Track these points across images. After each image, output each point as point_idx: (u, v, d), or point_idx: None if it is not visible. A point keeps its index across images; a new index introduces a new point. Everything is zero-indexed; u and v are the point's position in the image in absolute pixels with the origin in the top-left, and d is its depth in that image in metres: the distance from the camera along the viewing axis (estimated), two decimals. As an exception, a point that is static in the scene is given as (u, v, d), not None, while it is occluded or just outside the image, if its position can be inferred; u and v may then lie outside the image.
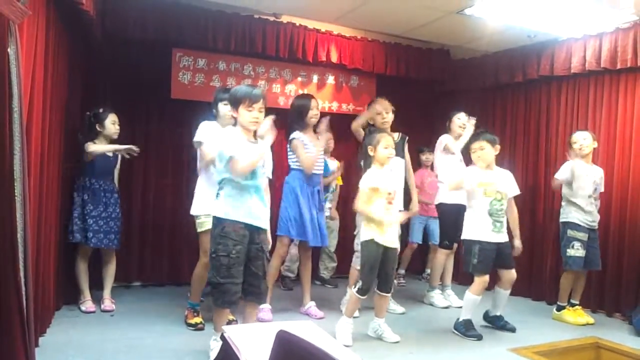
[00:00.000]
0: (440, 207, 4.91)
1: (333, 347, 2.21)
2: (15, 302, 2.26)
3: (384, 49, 5.68)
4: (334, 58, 5.39)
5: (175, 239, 5.14)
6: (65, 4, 3.26)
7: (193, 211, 3.81)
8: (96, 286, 4.27)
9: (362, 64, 5.56)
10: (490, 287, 4.19)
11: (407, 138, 4.53)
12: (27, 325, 2.34)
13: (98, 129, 4.17)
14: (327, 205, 5.03)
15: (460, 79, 5.91)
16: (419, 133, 5.55)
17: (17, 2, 2.19)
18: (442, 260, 4.86)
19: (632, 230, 4.48)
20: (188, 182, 4.25)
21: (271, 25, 5.07)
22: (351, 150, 5.35)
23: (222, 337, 2.51)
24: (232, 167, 2.97)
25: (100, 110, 4.21)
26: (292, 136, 4.15)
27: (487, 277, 3.95)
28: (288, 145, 4.21)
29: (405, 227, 5.12)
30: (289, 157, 4.22)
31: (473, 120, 4.68)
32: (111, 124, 4.19)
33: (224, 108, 3.71)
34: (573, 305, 4.46)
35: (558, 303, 4.53)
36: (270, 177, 3.33)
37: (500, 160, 4.21)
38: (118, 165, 4.35)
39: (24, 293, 2.32)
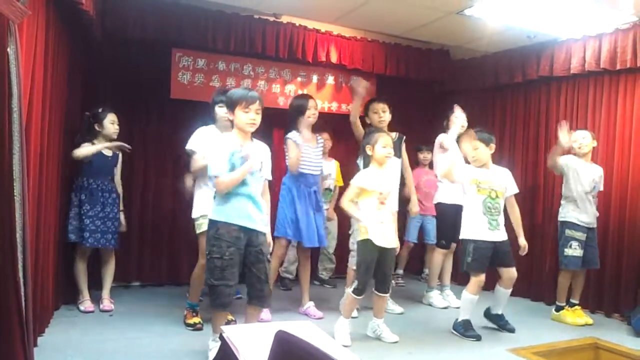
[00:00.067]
0: (438, 206, 4.92)
1: (332, 347, 2.21)
2: (14, 302, 2.26)
3: (384, 49, 5.68)
4: (334, 58, 5.39)
5: (175, 239, 5.15)
6: (65, 3, 3.26)
7: (193, 214, 3.84)
8: (95, 286, 4.26)
9: (361, 64, 5.56)
10: (491, 286, 4.21)
11: (404, 138, 4.53)
12: (26, 325, 2.34)
13: (97, 128, 4.17)
14: (325, 206, 5.02)
15: (460, 79, 5.91)
16: (419, 133, 5.54)
17: (17, 2, 2.19)
18: (439, 260, 4.86)
19: (631, 231, 4.49)
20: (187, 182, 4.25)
21: (271, 26, 5.07)
22: (351, 151, 5.35)
23: (221, 337, 2.51)
24: (216, 186, 3.06)
25: (100, 110, 4.21)
26: (287, 135, 4.15)
27: (482, 277, 3.95)
28: (285, 145, 4.21)
29: (402, 226, 5.11)
30: (285, 157, 4.22)
31: (459, 111, 4.60)
32: (110, 123, 4.19)
33: (220, 110, 3.73)
34: (573, 305, 4.46)
35: (557, 303, 4.54)
36: (270, 178, 3.32)
37: (499, 161, 4.21)
38: (119, 165, 4.35)
39: (22, 293, 2.32)
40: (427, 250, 5.58)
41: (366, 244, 3.64)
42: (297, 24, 5.20)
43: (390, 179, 3.76)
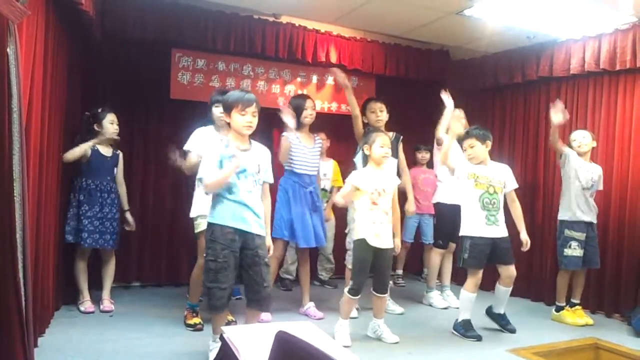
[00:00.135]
0: (437, 206, 4.94)
1: (332, 348, 2.21)
2: (14, 302, 2.26)
3: (384, 50, 5.68)
4: (334, 59, 5.39)
5: (174, 240, 5.15)
6: (65, 4, 3.26)
7: (191, 213, 3.85)
8: (95, 286, 4.26)
9: (361, 64, 5.56)
10: (491, 286, 4.20)
11: (401, 137, 4.53)
12: (26, 326, 2.34)
13: (96, 129, 4.17)
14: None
15: (460, 79, 5.90)
16: (419, 134, 5.54)
17: (17, 2, 2.19)
18: (437, 260, 4.87)
19: (631, 231, 4.49)
20: (187, 182, 4.25)
21: (271, 26, 5.07)
22: (351, 151, 5.35)
23: (222, 338, 2.51)
24: (205, 188, 3.10)
25: (99, 110, 4.20)
26: (283, 134, 4.15)
27: (479, 274, 3.94)
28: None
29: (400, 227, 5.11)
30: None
31: (445, 97, 4.54)
32: (109, 124, 4.19)
33: (216, 110, 3.74)
34: (573, 304, 4.46)
35: (556, 303, 4.54)
36: (271, 181, 3.32)
37: (499, 161, 4.20)
38: (120, 165, 4.35)
39: (23, 293, 2.32)
40: (425, 250, 5.58)
41: (360, 243, 3.65)
42: (297, 24, 5.20)
43: (385, 179, 3.73)
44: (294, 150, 4.12)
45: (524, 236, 4.03)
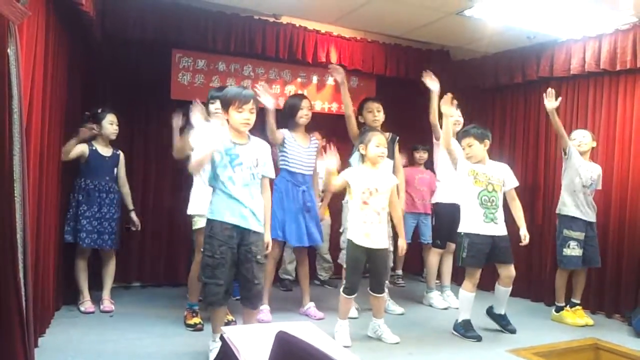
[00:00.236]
0: (436, 206, 4.95)
1: (332, 348, 2.21)
2: (14, 302, 2.26)
3: (384, 50, 5.68)
4: (334, 59, 5.39)
5: (175, 240, 5.15)
6: (65, 4, 3.26)
7: (188, 210, 3.86)
8: (96, 287, 4.27)
9: (361, 64, 5.56)
10: (491, 287, 4.21)
11: (397, 138, 4.53)
12: (27, 326, 2.34)
13: (95, 129, 4.18)
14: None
15: (460, 80, 5.90)
16: (419, 134, 5.53)
17: (17, 2, 2.19)
18: (435, 260, 4.87)
19: (631, 231, 4.49)
20: (187, 183, 4.25)
21: (271, 26, 5.07)
22: (350, 151, 5.35)
23: (222, 338, 2.51)
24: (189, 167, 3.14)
25: (99, 111, 4.21)
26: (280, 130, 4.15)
27: (477, 273, 3.94)
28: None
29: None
30: (278, 157, 4.21)
31: (428, 80, 4.57)
32: (109, 124, 4.20)
33: (211, 107, 3.74)
34: (574, 305, 4.46)
35: (556, 304, 4.54)
36: (272, 176, 3.32)
37: (500, 161, 4.20)
38: (121, 165, 4.35)
39: (23, 294, 2.32)
40: (424, 250, 5.58)
41: (351, 243, 3.66)
42: (297, 25, 5.21)
43: (379, 178, 3.70)
44: (289, 149, 4.12)
45: (523, 231, 4.01)
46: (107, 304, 4.17)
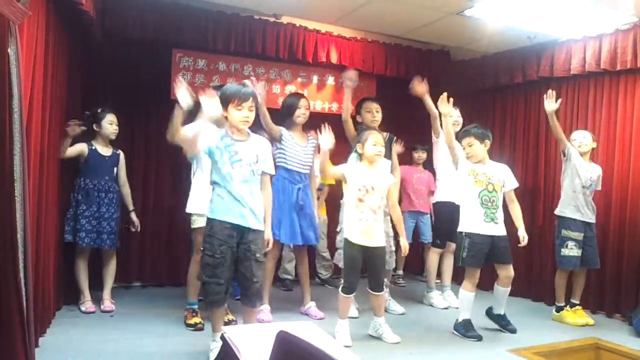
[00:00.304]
0: (436, 205, 4.96)
1: (333, 348, 2.21)
2: (15, 302, 2.26)
3: (384, 50, 5.68)
4: (334, 59, 5.39)
5: (175, 240, 5.14)
6: (65, 4, 3.26)
7: (187, 209, 3.85)
8: (96, 286, 4.27)
9: (362, 64, 5.56)
10: (490, 287, 4.21)
11: (394, 138, 4.53)
12: (27, 326, 2.34)
13: (95, 129, 4.18)
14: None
15: (460, 80, 5.90)
16: (419, 134, 5.53)
17: (17, 2, 2.19)
18: (435, 260, 4.88)
19: (631, 231, 4.49)
20: (187, 182, 4.25)
21: (271, 26, 5.07)
22: (349, 151, 5.35)
23: (222, 338, 2.51)
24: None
25: (99, 110, 4.21)
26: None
27: (477, 273, 3.95)
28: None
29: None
30: (275, 155, 4.19)
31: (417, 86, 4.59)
32: (108, 124, 4.20)
33: None
34: (573, 305, 4.46)
35: (556, 304, 4.54)
36: (272, 173, 3.32)
37: (500, 161, 4.20)
38: (121, 165, 4.35)
39: (24, 293, 2.32)
40: (424, 250, 5.59)
41: (348, 242, 3.66)
42: (298, 25, 5.21)
43: (376, 177, 3.68)
44: (287, 147, 4.12)
45: (522, 232, 4.01)
46: (107, 303, 4.17)
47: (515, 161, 5.31)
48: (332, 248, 5.41)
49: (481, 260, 3.92)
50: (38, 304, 3.02)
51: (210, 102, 2.97)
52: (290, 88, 5.50)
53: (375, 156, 3.68)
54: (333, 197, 5.33)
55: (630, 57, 4.38)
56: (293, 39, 5.17)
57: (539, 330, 4.21)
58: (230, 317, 3.83)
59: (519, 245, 4.02)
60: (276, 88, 5.46)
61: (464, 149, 4.03)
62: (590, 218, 4.43)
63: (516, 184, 4.08)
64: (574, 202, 4.39)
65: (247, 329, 2.83)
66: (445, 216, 4.71)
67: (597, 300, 4.70)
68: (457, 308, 4.27)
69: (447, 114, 3.99)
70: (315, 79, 5.66)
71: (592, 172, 4.44)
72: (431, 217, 5.28)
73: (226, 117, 3.12)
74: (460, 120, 4.76)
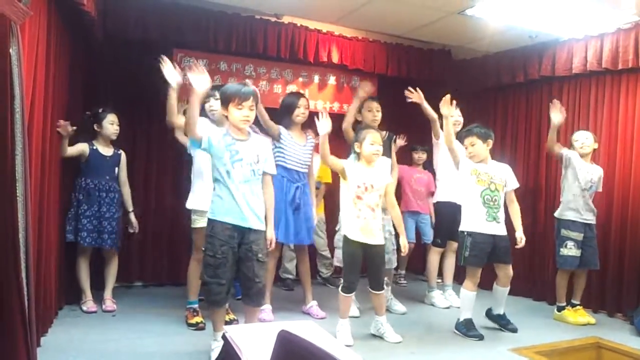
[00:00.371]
0: (436, 205, 4.96)
1: (334, 347, 2.21)
2: (17, 302, 2.26)
3: (385, 50, 5.68)
4: (335, 58, 5.40)
5: (176, 240, 5.14)
6: (67, 4, 3.27)
7: (187, 204, 3.87)
8: (98, 286, 4.27)
9: (363, 64, 5.56)
10: (489, 286, 4.20)
11: (394, 137, 4.53)
12: (29, 325, 2.34)
13: (96, 129, 4.19)
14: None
15: (462, 79, 5.90)
16: (419, 134, 5.53)
17: (19, 2, 2.19)
18: (435, 259, 4.88)
19: (633, 230, 4.48)
20: (188, 182, 4.26)
21: (272, 26, 5.07)
22: (348, 152, 5.35)
23: (224, 337, 2.52)
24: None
25: (100, 111, 4.22)
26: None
27: (478, 272, 3.95)
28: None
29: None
30: (274, 154, 4.18)
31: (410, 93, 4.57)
32: (109, 124, 4.20)
33: (205, 105, 3.75)
34: (574, 305, 4.46)
35: (557, 303, 4.53)
36: (273, 173, 3.32)
37: (501, 161, 4.20)
38: (122, 165, 4.35)
39: (25, 293, 2.32)
40: (427, 250, 5.59)
41: (346, 240, 3.66)
42: (299, 24, 5.21)
43: (374, 175, 3.68)
44: (286, 145, 4.11)
45: (520, 234, 4.01)
46: (109, 303, 4.17)
47: (516, 161, 5.31)
48: (331, 247, 5.42)
49: (484, 259, 3.92)
50: (40, 303, 3.03)
51: (198, 77, 2.98)
52: (292, 88, 5.49)
53: (373, 155, 3.67)
54: (331, 196, 5.34)
55: (632, 56, 4.37)
56: (294, 38, 5.17)
57: (541, 329, 4.20)
58: (232, 316, 3.83)
59: (515, 247, 4.02)
60: (277, 88, 5.46)
61: (466, 148, 4.03)
62: (590, 219, 4.42)
63: (517, 185, 4.08)
64: (574, 206, 4.39)
65: (249, 328, 2.83)
66: (446, 216, 4.71)
67: (598, 299, 4.70)
68: (459, 307, 4.27)
69: (449, 116, 3.99)
70: (316, 78, 5.66)
71: (593, 174, 4.43)
72: (431, 217, 5.29)
73: (226, 117, 3.13)
74: (461, 119, 4.76)
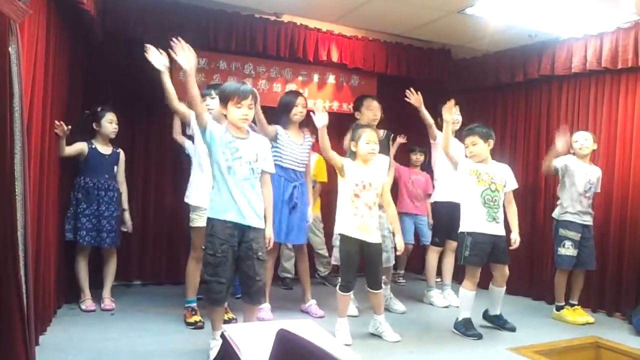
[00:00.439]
0: (434, 205, 4.96)
1: (333, 346, 2.21)
2: (15, 300, 2.26)
3: (385, 49, 5.68)
4: (335, 57, 5.39)
5: (175, 238, 5.15)
6: (66, 3, 3.27)
7: (186, 198, 3.87)
8: (97, 285, 4.27)
9: (362, 63, 5.56)
10: (486, 285, 4.21)
11: (392, 135, 4.53)
12: (28, 324, 2.34)
13: (95, 127, 4.18)
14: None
15: (461, 78, 5.90)
16: (419, 135, 5.52)
17: (18, 1, 2.19)
18: (434, 258, 4.88)
19: (632, 230, 4.48)
20: (188, 181, 4.26)
21: (272, 25, 5.07)
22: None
23: (223, 336, 2.52)
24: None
25: (99, 109, 4.21)
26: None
27: (478, 272, 3.95)
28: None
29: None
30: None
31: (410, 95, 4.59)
32: (108, 123, 4.20)
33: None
34: (572, 305, 4.47)
35: (556, 303, 4.54)
36: (272, 171, 3.32)
37: (500, 160, 4.20)
38: (121, 164, 4.35)
39: (24, 292, 2.32)
40: (425, 250, 5.59)
41: (343, 238, 3.66)
42: (298, 23, 5.20)
43: (371, 174, 3.68)
44: (283, 145, 4.11)
45: (515, 235, 4.01)
46: (107, 302, 4.17)
47: (516, 160, 5.31)
48: (329, 245, 5.42)
49: (484, 259, 3.93)
50: (38, 302, 3.03)
51: (182, 55, 3.00)
52: (291, 86, 5.49)
53: (369, 154, 3.66)
54: (328, 194, 5.34)
55: (631, 55, 4.37)
56: (294, 37, 5.17)
57: (539, 328, 4.21)
58: (231, 315, 3.83)
59: (510, 248, 4.02)
60: (277, 87, 5.46)
61: (467, 147, 4.02)
62: (588, 221, 4.43)
63: (516, 185, 4.09)
64: (572, 210, 4.40)
65: (247, 327, 2.83)
66: (444, 215, 4.72)
67: (597, 298, 4.70)
68: (458, 307, 4.27)
69: (450, 121, 3.98)
70: (316, 77, 5.66)
71: (591, 175, 4.44)
72: (428, 218, 5.30)
73: (225, 115, 3.13)
74: (460, 119, 4.76)
